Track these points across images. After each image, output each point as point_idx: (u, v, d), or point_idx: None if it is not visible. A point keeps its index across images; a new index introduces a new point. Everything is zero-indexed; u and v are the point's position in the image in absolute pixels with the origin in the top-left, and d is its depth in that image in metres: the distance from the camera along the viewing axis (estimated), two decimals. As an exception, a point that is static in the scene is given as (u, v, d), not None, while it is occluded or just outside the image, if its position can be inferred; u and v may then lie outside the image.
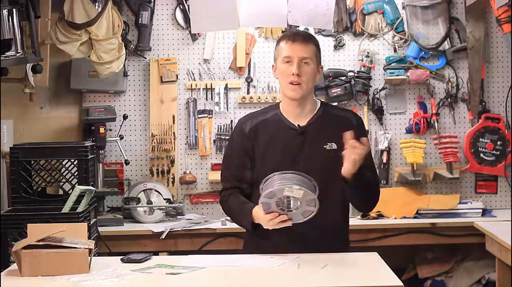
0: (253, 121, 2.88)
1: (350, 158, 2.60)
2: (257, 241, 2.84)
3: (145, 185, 4.22)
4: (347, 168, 2.61)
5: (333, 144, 2.80)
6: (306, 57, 2.76)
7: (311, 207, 2.60)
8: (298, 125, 2.82)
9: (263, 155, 2.84)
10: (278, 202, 2.61)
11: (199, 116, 4.40)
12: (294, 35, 2.81)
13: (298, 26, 4.29)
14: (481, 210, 4.17)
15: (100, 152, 4.17)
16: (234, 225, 4.00)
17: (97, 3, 3.85)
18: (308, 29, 4.32)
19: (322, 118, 2.84)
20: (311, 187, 2.60)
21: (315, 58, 2.81)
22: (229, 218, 4.14)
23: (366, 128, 4.37)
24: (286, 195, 2.59)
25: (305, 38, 2.81)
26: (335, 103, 4.29)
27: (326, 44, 4.44)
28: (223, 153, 4.35)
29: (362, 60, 4.41)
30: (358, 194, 2.76)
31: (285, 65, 2.78)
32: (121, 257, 2.72)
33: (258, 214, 2.70)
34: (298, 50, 2.76)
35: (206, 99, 4.41)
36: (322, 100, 3.00)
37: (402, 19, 4.40)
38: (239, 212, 2.84)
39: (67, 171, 3.68)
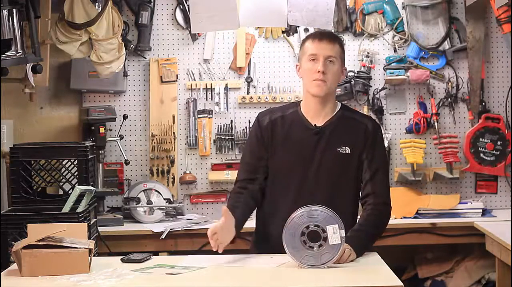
0: (272, 116, 2.89)
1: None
2: (263, 243, 2.86)
3: (145, 185, 4.22)
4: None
5: (346, 147, 2.81)
6: (331, 56, 2.78)
7: (329, 254, 2.52)
8: (315, 125, 2.83)
9: (277, 150, 2.85)
10: (307, 231, 2.52)
11: (199, 116, 4.40)
12: (321, 34, 2.84)
13: (298, 26, 4.30)
14: (481, 210, 4.17)
15: (100, 152, 4.16)
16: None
17: (97, 3, 3.86)
18: (308, 30, 4.33)
19: (339, 121, 2.84)
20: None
21: (340, 58, 2.83)
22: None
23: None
24: (329, 230, 2.50)
25: (332, 37, 2.84)
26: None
27: (326, 44, 4.44)
28: (223, 153, 4.38)
29: (362, 60, 4.41)
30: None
31: (310, 63, 2.78)
32: (121, 257, 2.72)
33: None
34: (324, 49, 2.77)
35: (206, 99, 4.41)
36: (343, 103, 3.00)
37: (402, 19, 4.40)
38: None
39: (67, 171, 3.68)
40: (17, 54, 3.19)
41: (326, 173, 2.79)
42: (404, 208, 4.16)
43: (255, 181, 2.87)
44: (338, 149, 2.81)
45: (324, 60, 2.76)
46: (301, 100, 2.92)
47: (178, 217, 4.22)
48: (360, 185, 2.85)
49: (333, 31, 4.38)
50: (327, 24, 4.07)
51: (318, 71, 2.75)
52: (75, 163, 3.62)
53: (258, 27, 4.42)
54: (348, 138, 2.82)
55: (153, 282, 2.44)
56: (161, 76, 4.38)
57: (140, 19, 4.33)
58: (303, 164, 2.80)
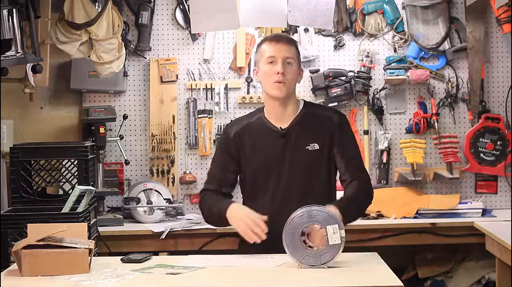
0: (238, 126, 2.94)
1: None
2: (247, 247, 2.87)
3: (145, 185, 4.22)
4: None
5: (315, 144, 2.85)
6: (289, 57, 2.83)
7: (329, 254, 2.53)
8: (280, 127, 2.85)
9: (248, 158, 2.89)
10: (307, 231, 2.53)
11: (199, 116, 4.40)
12: (277, 36, 2.91)
13: (298, 26, 4.30)
14: (481, 210, 4.17)
15: (100, 152, 4.17)
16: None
17: (97, 3, 3.85)
18: (308, 30, 4.34)
19: (304, 119, 2.88)
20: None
21: (297, 59, 2.88)
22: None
23: (366, 128, 4.39)
24: (329, 230, 2.50)
25: (288, 39, 2.90)
26: (335, 104, 4.30)
27: (326, 44, 4.44)
28: (223, 153, 4.38)
29: (362, 60, 4.41)
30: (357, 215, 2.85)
31: (269, 65, 2.83)
32: (121, 257, 2.73)
33: (237, 210, 2.73)
34: (282, 50, 2.82)
35: (206, 99, 4.41)
36: (307, 100, 3.03)
37: (402, 19, 4.39)
38: (215, 204, 2.85)
39: (67, 171, 3.68)
40: (17, 54, 3.19)
41: (298, 173, 2.83)
42: (404, 208, 4.16)
43: (224, 194, 2.92)
44: (307, 147, 2.84)
45: (283, 61, 2.81)
46: (264, 106, 2.96)
47: (178, 217, 4.22)
48: (334, 176, 2.90)
49: (333, 31, 4.40)
50: (327, 24, 4.08)
51: (278, 73, 2.79)
52: (75, 163, 3.62)
53: (258, 27, 4.42)
54: (315, 134, 2.85)
55: (153, 282, 2.44)
56: (161, 76, 4.39)
57: (140, 19, 4.33)
58: (275, 168, 2.84)
